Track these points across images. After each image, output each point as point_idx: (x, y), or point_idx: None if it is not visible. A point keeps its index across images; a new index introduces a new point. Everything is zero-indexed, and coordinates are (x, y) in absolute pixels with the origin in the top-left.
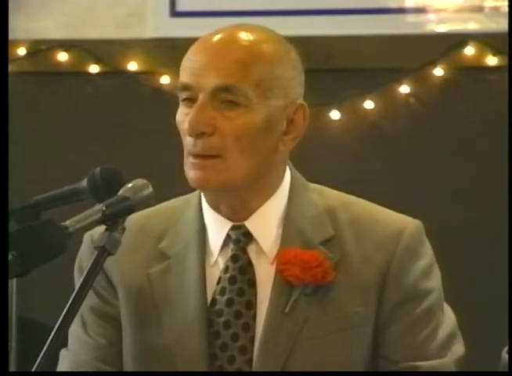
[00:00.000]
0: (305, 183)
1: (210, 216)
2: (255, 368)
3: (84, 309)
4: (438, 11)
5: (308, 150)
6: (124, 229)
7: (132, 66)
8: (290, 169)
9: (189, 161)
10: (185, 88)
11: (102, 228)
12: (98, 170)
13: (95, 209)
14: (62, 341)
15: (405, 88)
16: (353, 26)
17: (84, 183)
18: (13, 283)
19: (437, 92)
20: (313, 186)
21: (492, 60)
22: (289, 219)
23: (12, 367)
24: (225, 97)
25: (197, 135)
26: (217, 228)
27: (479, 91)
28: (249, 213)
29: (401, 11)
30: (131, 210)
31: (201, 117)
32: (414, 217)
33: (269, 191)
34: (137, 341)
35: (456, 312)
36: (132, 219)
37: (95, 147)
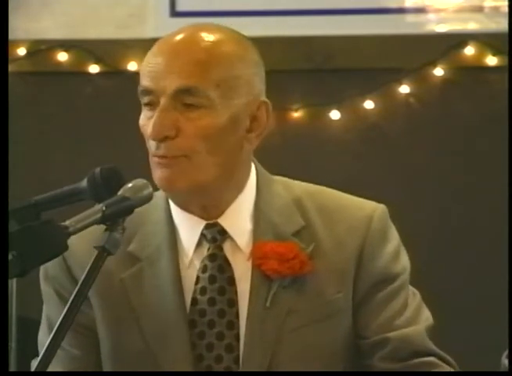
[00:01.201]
0: (269, 177)
1: (181, 216)
2: (243, 365)
3: (55, 320)
4: (438, 11)
5: (308, 149)
6: (124, 229)
7: (132, 66)
8: (255, 164)
9: (154, 161)
10: (146, 92)
11: (79, 235)
12: (98, 170)
13: (95, 209)
14: (62, 341)
15: (405, 88)
16: (353, 26)
17: (84, 183)
18: (13, 283)
19: (437, 92)
20: (276, 178)
21: (492, 60)
22: (259, 213)
23: (12, 367)
24: (187, 99)
25: (161, 139)
26: (189, 228)
27: (479, 91)
28: (221, 211)
29: (401, 11)
30: (131, 210)
31: (164, 121)
32: (414, 217)
33: (238, 188)
34: (117, 348)
35: (456, 312)
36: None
37: (95, 147)
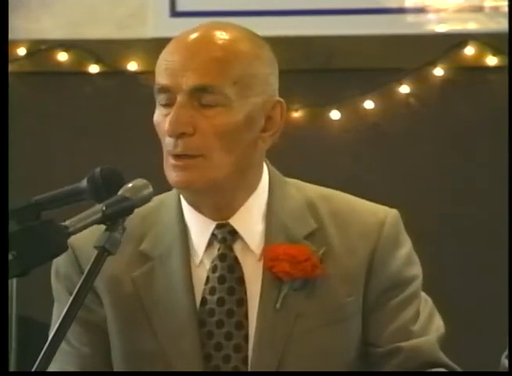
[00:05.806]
0: (282, 178)
1: (192, 216)
2: (251, 365)
3: None
4: (438, 11)
5: (308, 150)
6: (124, 229)
7: (132, 66)
8: (267, 165)
9: (170, 163)
10: (163, 89)
11: (84, 233)
12: (98, 170)
13: (95, 209)
14: (62, 341)
15: (405, 88)
16: (353, 26)
17: (84, 183)
18: (13, 283)
19: (437, 92)
20: (289, 180)
21: (492, 60)
22: (271, 215)
23: (12, 367)
24: (203, 97)
25: (178, 135)
26: (200, 227)
27: (479, 91)
28: (232, 211)
29: (401, 11)
30: (131, 210)
31: (181, 118)
32: (414, 216)
33: (250, 188)
34: (127, 347)
35: (456, 312)
36: None
37: (95, 147)
